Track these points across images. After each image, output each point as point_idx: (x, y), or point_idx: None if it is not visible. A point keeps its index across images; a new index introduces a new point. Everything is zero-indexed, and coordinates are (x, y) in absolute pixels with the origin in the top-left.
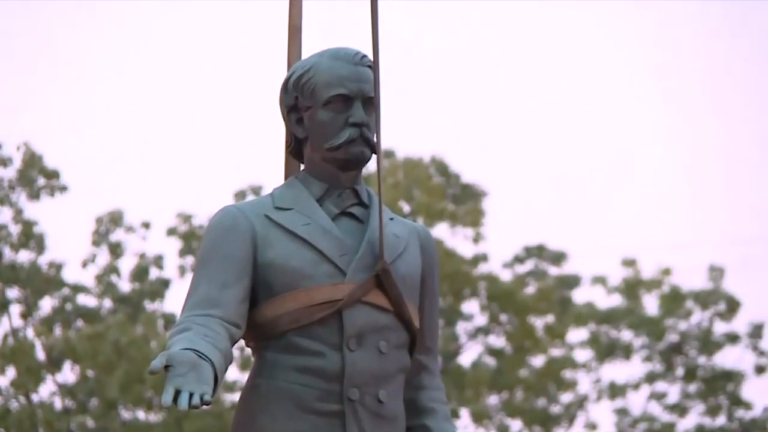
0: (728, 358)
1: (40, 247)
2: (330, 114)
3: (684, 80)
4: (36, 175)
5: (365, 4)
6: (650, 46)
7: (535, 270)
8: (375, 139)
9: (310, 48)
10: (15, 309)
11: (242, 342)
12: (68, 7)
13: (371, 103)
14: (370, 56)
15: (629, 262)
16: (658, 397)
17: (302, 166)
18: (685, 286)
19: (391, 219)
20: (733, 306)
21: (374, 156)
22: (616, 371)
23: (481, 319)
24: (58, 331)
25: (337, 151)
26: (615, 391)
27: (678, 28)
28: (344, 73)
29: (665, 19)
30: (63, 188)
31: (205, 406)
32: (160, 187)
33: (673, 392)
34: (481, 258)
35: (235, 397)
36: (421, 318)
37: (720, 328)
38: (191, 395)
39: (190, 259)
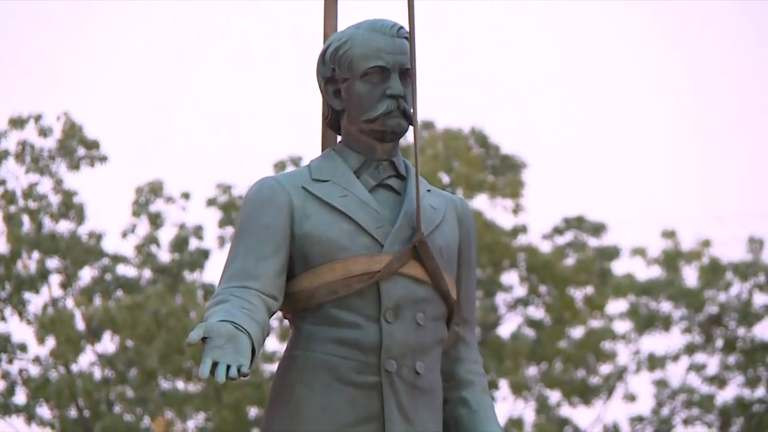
0: (767, 329)
1: (80, 218)
2: (367, 86)
3: (727, 51)
4: (76, 146)
5: None
6: (694, 17)
7: (575, 241)
8: (412, 111)
9: (346, 20)
10: (55, 279)
11: (281, 313)
12: None
13: (408, 74)
14: (407, 28)
15: (669, 234)
16: (698, 368)
17: (339, 138)
18: (725, 257)
19: (429, 191)
20: None
21: (411, 128)
22: (656, 343)
23: (520, 291)
24: (97, 301)
25: (374, 123)
26: (654, 362)
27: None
28: (381, 45)
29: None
30: (103, 158)
31: (242, 378)
32: (199, 157)
33: (713, 364)
34: (520, 229)
35: (274, 367)
36: (458, 290)
37: (759, 299)
38: (228, 367)
39: (229, 230)
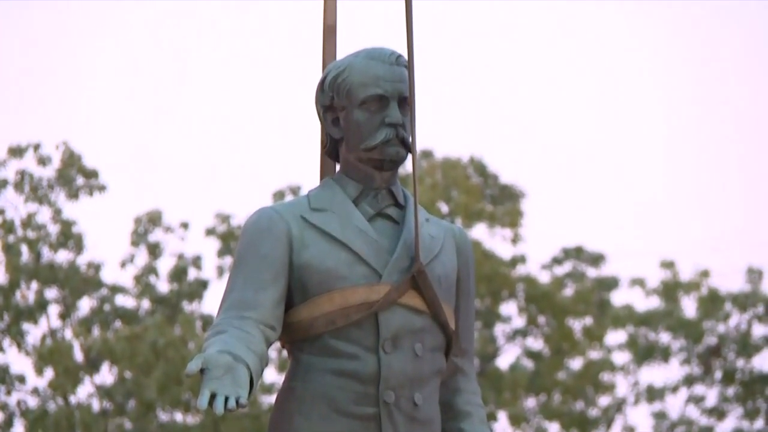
0: (767, 361)
1: (78, 247)
2: (365, 114)
3: (725, 80)
4: (75, 175)
5: (400, 4)
6: (693, 49)
7: (573, 272)
8: (411, 140)
9: (345, 48)
10: (53, 309)
11: (279, 343)
12: (109, 8)
13: (407, 103)
14: (406, 56)
15: (667, 264)
16: (696, 400)
17: (338, 167)
18: (724, 288)
19: (427, 220)
20: None
21: (410, 156)
22: (654, 374)
23: (518, 321)
24: (96, 331)
25: (373, 152)
26: (653, 394)
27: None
28: (380, 73)
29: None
30: (102, 188)
31: (240, 409)
32: (198, 187)
33: (711, 395)
34: (519, 259)
35: (273, 398)
36: (457, 320)
37: (758, 330)
38: (227, 398)
39: (228, 260)
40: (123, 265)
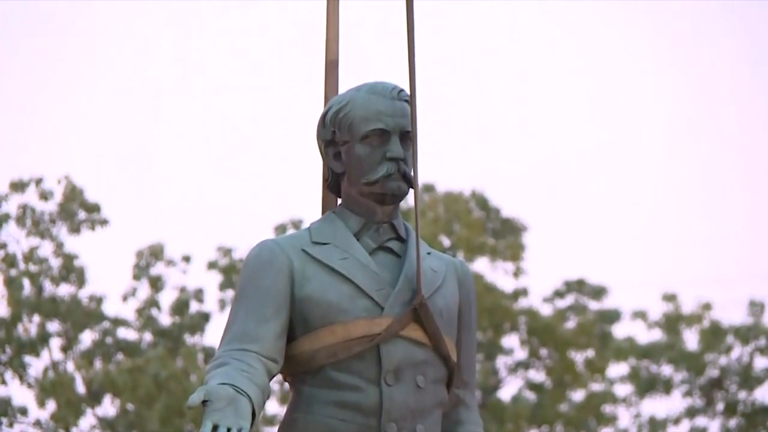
0: None
1: (80, 281)
2: (367, 148)
3: (728, 113)
4: (77, 209)
5: (402, 38)
6: (694, 84)
7: (576, 304)
8: (412, 174)
9: (347, 82)
10: (55, 342)
11: (281, 376)
12: (108, 44)
13: (409, 137)
14: (407, 90)
15: (669, 297)
16: None
17: (339, 201)
18: (726, 320)
19: (429, 253)
20: None
21: (412, 190)
22: (656, 406)
23: (521, 354)
24: (98, 364)
25: (374, 186)
26: (655, 426)
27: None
28: (381, 107)
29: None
30: (104, 222)
31: None
32: (200, 220)
33: (714, 427)
34: (521, 292)
35: (275, 431)
36: (459, 352)
37: (760, 363)
38: (229, 430)
39: (230, 293)
40: (125, 298)
